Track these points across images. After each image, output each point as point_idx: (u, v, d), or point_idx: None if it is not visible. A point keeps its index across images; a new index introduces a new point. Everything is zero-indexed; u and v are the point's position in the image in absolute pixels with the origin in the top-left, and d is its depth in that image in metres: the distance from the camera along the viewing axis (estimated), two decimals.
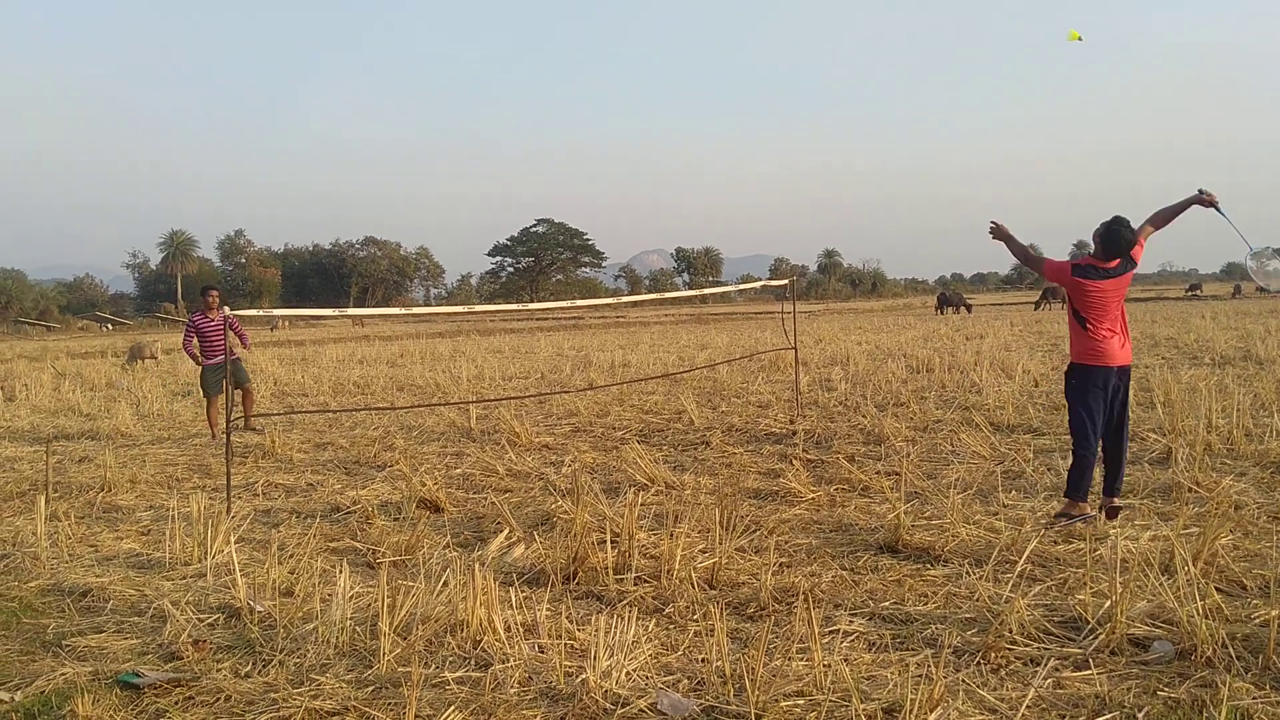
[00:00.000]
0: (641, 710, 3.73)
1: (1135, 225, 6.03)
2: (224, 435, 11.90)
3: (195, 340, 11.65)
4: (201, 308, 11.71)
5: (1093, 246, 6.12)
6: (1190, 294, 64.71)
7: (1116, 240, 5.95)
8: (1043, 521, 6.18)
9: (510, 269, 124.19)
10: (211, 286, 12.27)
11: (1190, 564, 4.76)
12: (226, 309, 11.16)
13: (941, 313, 48.50)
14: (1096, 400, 6.07)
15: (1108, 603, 4.42)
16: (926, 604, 4.86)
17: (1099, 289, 6.03)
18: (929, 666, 3.96)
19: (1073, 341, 6.25)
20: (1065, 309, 6.34)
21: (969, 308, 48.50)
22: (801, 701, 3.72)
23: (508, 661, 4.20)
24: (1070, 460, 6.22)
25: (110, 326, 72.84)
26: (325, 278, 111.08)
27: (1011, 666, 4.07)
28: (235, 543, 6.05)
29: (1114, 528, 5.97)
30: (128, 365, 24.57)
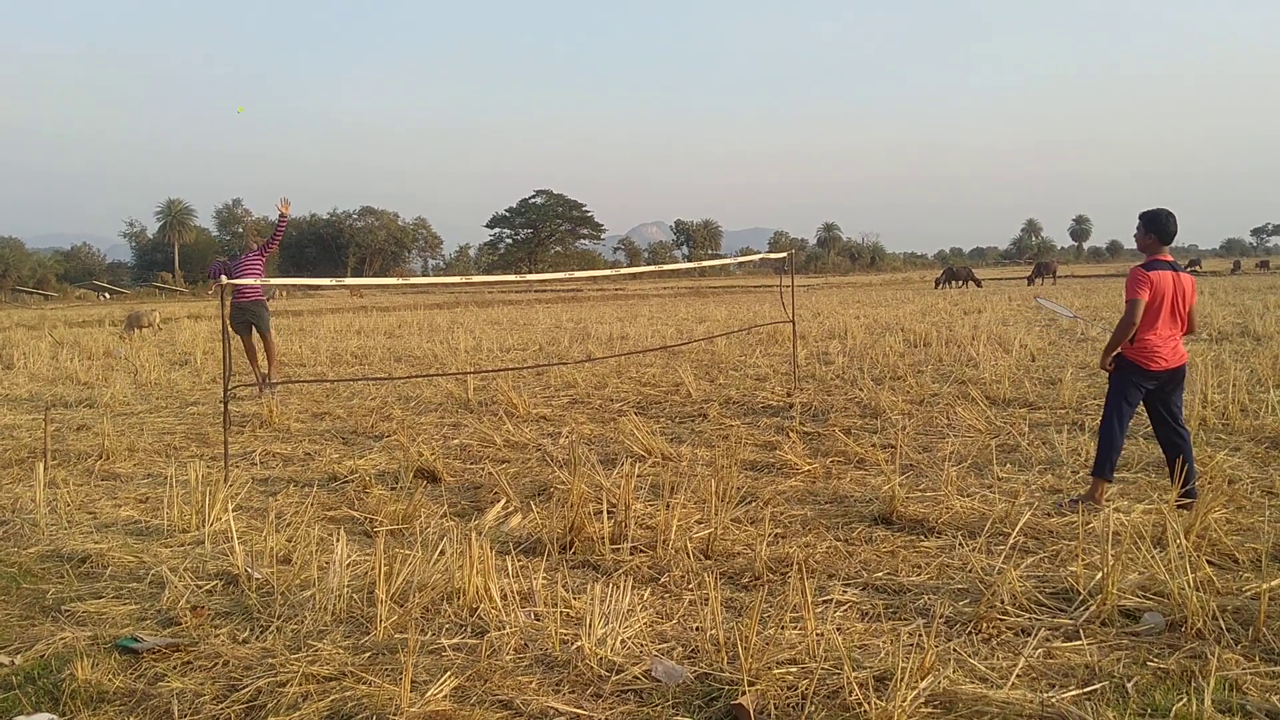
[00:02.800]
0: (636, 677, 3.76)
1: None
2: (266, 378, 12.13)
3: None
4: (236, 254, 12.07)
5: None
6: (1189, 270, 64.70)
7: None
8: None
9: (509, 240, 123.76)
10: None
11: (1182, 537, 4.79)
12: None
13: (939, 287, 48.38)
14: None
15: (1099, 575, 4.46)
16: (919, 575, 4.90)
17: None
18: (921, 636, 3.99)
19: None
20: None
21: (978, 282, 48.12)
22: (794, 669, 3.75)
23: (504, 629, 4.24)
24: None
25: (108, 295, 72.67)
26: (322, 248, 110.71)
27: (1003, 637, 4.11)
28: (233, 511, 6.08)
29: (1108, 501, 6.00)
30: (125, 334, 24.53)
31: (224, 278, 10.66)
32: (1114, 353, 6.15)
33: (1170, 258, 6.10)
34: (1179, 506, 5.82)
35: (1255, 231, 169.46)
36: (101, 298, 70.19)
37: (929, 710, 3.39)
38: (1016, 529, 5.21)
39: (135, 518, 6.49)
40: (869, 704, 3.35)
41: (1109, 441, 6.05)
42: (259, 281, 10.45)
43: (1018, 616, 4.27)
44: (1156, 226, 6.06)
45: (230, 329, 11.74)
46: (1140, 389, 6.07)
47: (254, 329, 12.53)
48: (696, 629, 4.25)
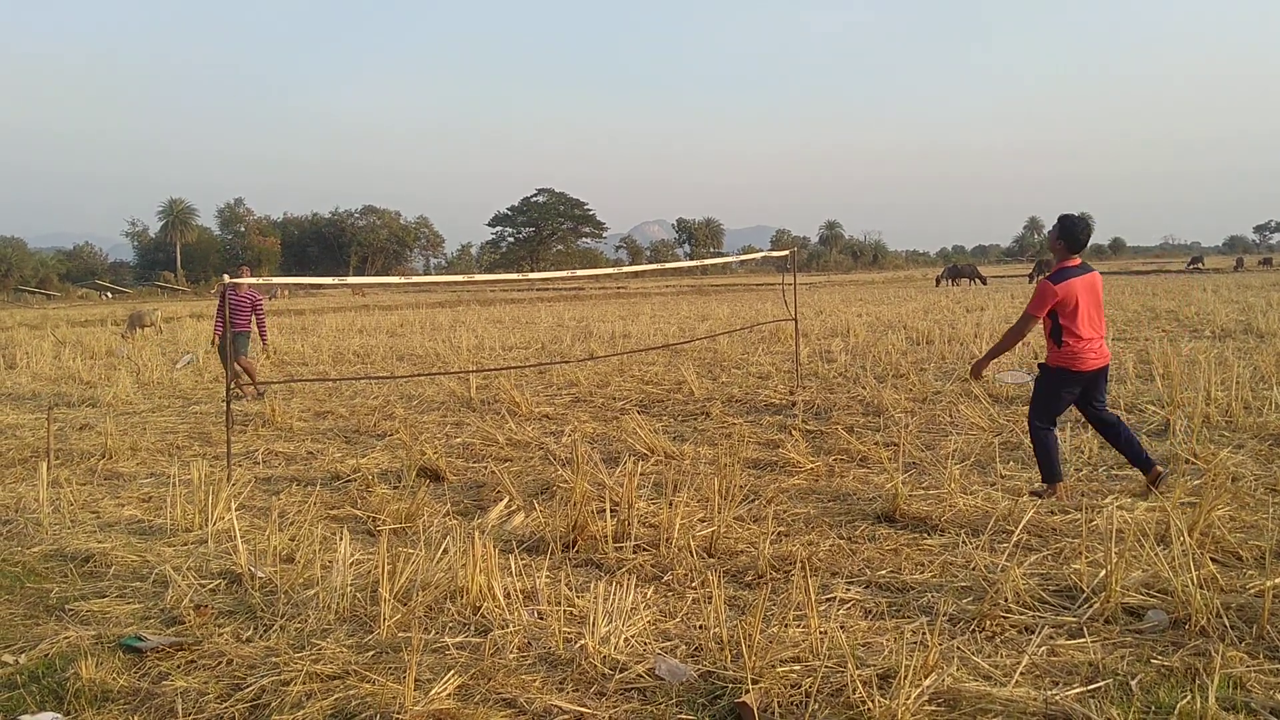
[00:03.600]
0: (639, 675, 3.76)
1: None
2: (256, 387, 12.21)
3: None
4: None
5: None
6: (1192, 267, 64.57)
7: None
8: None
9: (510, 239, 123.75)
10: (245, 263, 13.11)
11: (1186, 535, 4.79)
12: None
13: (939, 285, 48.29)
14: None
15: (1103, 572, 4.45)
16: (923, 572, 4.89)
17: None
18: (924, 634, 3.99)
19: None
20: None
21: (983, 280, 47.98)
22: (798, 667, 3.75)
23: (507, 627, 4.24)
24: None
25: (110, 295, 72.73)
26: (325, 247, 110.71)
27: (1006, 634, 4.10)
28: (236, 510, 6.09)
29: (1111, 496, 6.00)
30: (127, 333, 24.55)
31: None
32: (991, 361, 6.31)
33: (1078, 261, 6.11)
34: (1152, 484, 6.08)
35: (1258, 228, 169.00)
36: (104, 297, 70.25)
37: (933, 708, 3.38)
38: (1020, 527, 5.21)
39: (138, 517, 6.50)
40: (873, 702, 3.35)
41: (1045, 450, 6.15)
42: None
43: (1021, 614, 4.27)
44: (1069, 234, 6.06)
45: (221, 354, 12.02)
46: (1070, 393, 6.15)
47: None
48: (700, 627, 4.25)
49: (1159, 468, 6.20)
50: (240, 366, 12.47)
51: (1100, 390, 6.22)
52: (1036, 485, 6.35)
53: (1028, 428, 6.31)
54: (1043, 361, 6.28)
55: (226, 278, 7.76)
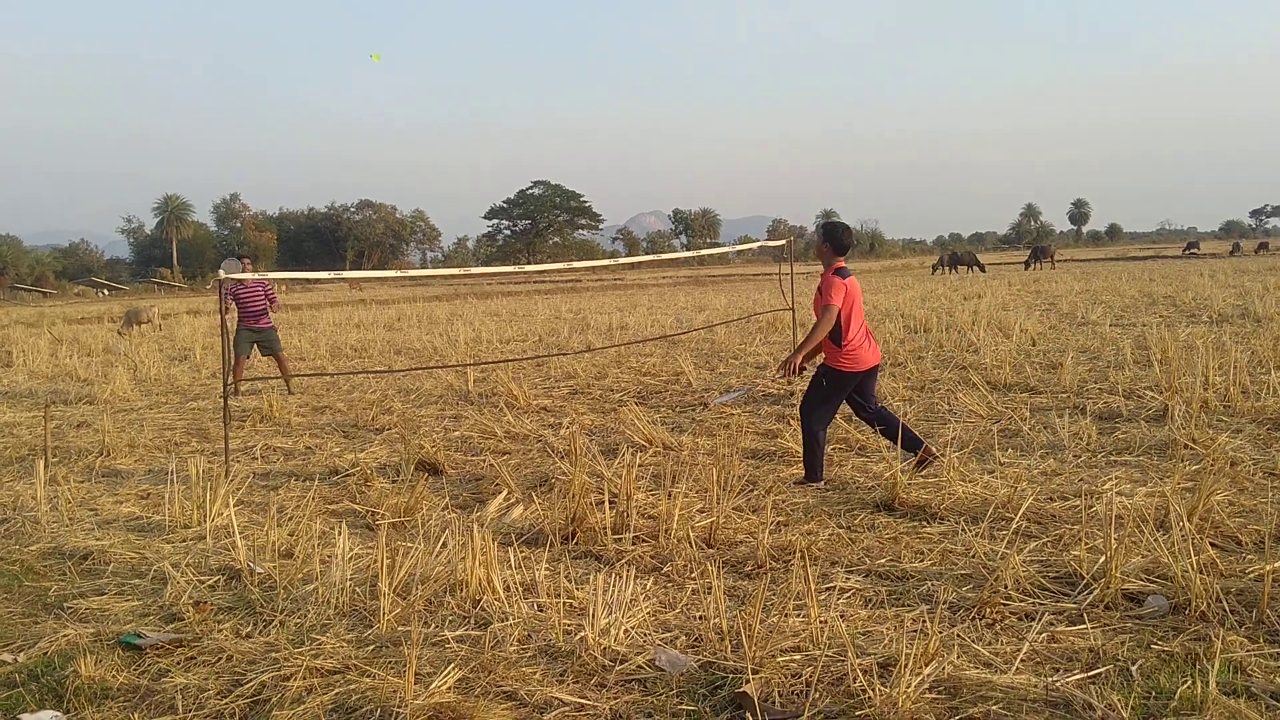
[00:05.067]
0: (640, 666, 3.76)
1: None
2: (239, 388, 12.13)
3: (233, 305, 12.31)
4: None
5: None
6: (1188, 253, 64.54)
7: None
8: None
9: (507, 232, 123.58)
10: (244, 255, 13.12)
11: (1185, 520, 4.79)
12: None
13: (935, 272, 48.27)
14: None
15: (1102, 558, 4.44)
16: (922, 561, 4.89)
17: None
18: (924, 622, 3.99)
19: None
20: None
21: (981, 267, 47.95)
22: (798, 657, 3.75)
23: (507, 620, 4.23)
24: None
25: (106, 292, 72.60)
26: (321, 241, 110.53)
27: (1006, 621, 4.10)
28: (234, 505, 6.07)
29: (1111, 482, 5.99)
30: (124, 330, 24.52)
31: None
32: (805, 354, 6.54)
33: (844, 264, 6.49)
34: (920, 465, 6.43)
35: (1254, 213, 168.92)
36: (100, 294, 70.13)
37: (933, 696, 3.38)
38: (1019, 514, 5.20)
39: (136, 514, 6.49)
40: (873, 690, 3.34)
41: (817, 448, 6.45)
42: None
43: (1021, 601, 4.27)
44: (833, 239, 6.48)
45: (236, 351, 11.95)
46: (847, 391, 6.47)
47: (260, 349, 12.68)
48: (700, 618, 4.24)
49: (931, 449, 6.60)
50: (278, 362, 12.52)
51: (870, 385, 6.56)
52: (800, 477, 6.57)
53: (802, 428, 6.50)
54: (824, 364, 6.51)
55: (222, 272, 7.73)
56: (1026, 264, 50.03)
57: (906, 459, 6.52)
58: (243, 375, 12.43)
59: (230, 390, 12.23)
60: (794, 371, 6.61)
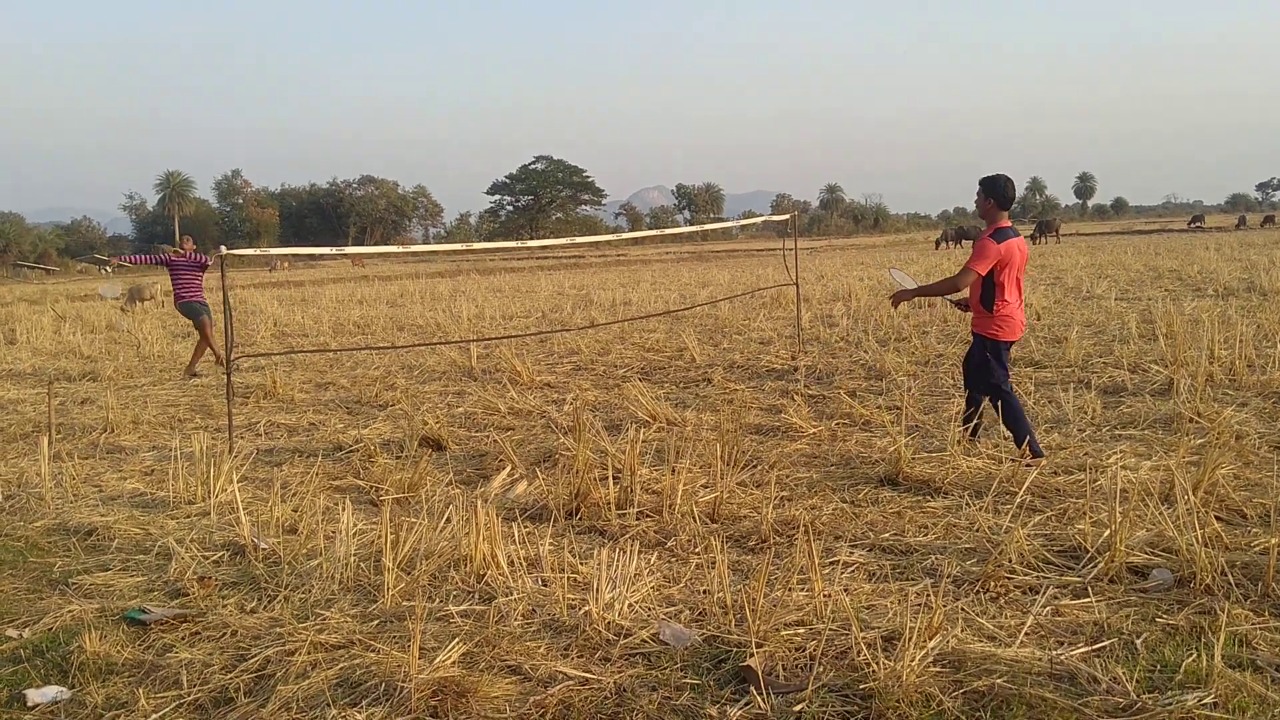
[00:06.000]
0: (644, 640, 3.76)
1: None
2: (220, 354, 12.13)
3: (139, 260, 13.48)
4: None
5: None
6: (1194, 226, 64.24)
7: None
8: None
9: (509, 207, 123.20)
10: (186, 234, 13.50)
11: (1190, 493, 4.77)
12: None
13: (939, 248, 48.11)
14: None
15: (1107, 532, 4.43)
16: (926, 535, 4.88)
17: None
18: (928, 596, 3.98)
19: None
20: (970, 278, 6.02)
21: None
22: (802, 630, 3.75)
23: (511, 595, 4.24)
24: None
25: (108, 269, 72.55)
26: (323, 218, 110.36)
27: (1011, 595, 4.10)
28: (238, 482, 6.07)
29: (1115, 456, 5.97)
30: (127, 307, 24.52)
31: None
32: (911, 299, 6.40)
33: (1009, 223, 6.03)
34: (972, 434, 6.33)
35: (1260, 186, 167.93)
36: (102, 271, 70.07)
37: (937, 669, 3.38)
38: (1023, 488, 5.19)
39: (141, 490, 6.50)
40: (877, 664, 3.34)
41: (1021, 416, 6.06)
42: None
43: (1025, 575, 4.26)
44: (996, 193, 5.94)
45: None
46: (1004, 357, 6.14)
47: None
48: (704, 592, 4.24)
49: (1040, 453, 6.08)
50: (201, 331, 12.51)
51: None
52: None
53: (995, 407, 6.17)
54: (975, 332, 6.20)
55: (224, 249, 7.71)
56: (1031, 238, 49.83)
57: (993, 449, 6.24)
58: (215, 340, 12.48)
59: (203, 364, 12.32)
60: (896, 304, 6.65)
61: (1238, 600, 3.88)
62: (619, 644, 3.74)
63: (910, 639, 3.39)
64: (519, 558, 4.59)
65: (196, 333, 12.95)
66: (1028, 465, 5.79)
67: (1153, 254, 29.54)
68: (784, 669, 3.48)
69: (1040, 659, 3.43)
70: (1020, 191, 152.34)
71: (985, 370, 6.13)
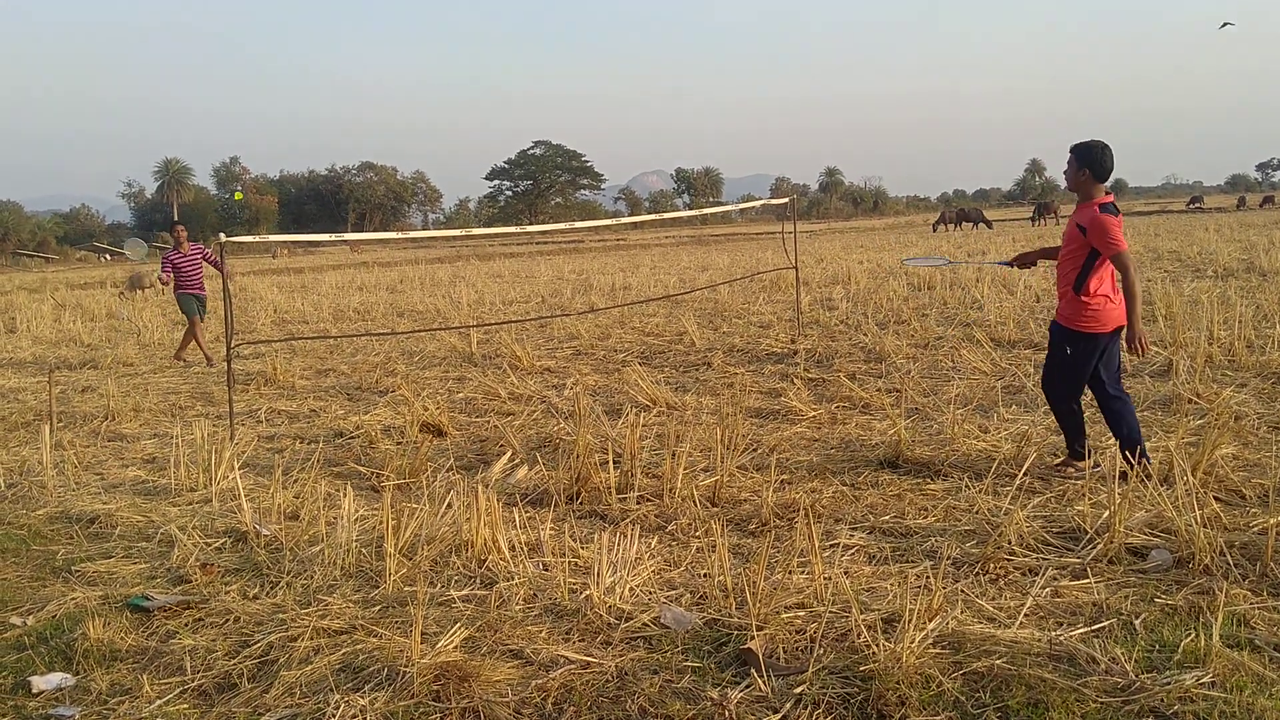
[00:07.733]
0: (645, 624, 3.78)
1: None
2: (209, 354, 12.12)
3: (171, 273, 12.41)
4: (173, 244, 12.33)
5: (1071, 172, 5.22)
6: (1193, 207, 64.08)
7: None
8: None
9: (508, 193, 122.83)
10: (178, 222, 13.14)
11: (1189, 474, 4.77)
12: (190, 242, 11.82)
13: (937, 230, 48.04)
14: None
15: (1106, 513, 4.45)
16: (926, 517, 4.90)
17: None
18: (928, 578, 4.00)
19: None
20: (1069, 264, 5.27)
21: (988, 224, 47.97)
22: (802, 613, 3.76)
23: (512, 579, 4.25)
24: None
25: (109, 257, 72.44)
26: (322, 204, 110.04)
27: (1010, 577, 4.11)
28: (240, 468, 6.10)
29: (1112, 442, 5.98)
30: (126, 294, 24.50)
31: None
32: (1137, 313, 5.11)
33: (1111, 197, 5.26)
34: (1062, 464, 5.49)
35: (1260, 166, 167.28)
36: (102, 259, 69.98)
37: (937, 651, 3.40)
38: (1023, 470, 5.20)
39: (142, 478, 6.51)
40: (877, 646, 3.36)
41: (1069, 418, 5.42)
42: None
43: (1025, 556, 4.28)
44: (1094, 163, 5.14)
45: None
46: (1095, 356, 5.24)
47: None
48: (704, 576, 4.26)
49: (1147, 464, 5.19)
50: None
51: (1115, 357, 5.30)
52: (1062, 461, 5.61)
53: (1050, 406, 5.53)
54: (1056, 322, 5.42)
55: (223, 236, 7.70)
56: (1032, 219, 49.78)
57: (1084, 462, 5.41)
58: (200, 337, 12.40)
59: (193, 352, 12.31)
60: (1145, 347, 5.15)
61: (1236, 580, 3.89)
62: (620, 628, 3.76)
63: (910, 621, 3.41)
64: (520, 542, 4.61)
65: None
66: (1057, 468, 5.49)
67: (1152, 235, 29.49)
68: (784, 651, 3.50)
69: (1039, 640, 3.44)
70: (1019, 173, 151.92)
71: (1064, 372, 5.32)
